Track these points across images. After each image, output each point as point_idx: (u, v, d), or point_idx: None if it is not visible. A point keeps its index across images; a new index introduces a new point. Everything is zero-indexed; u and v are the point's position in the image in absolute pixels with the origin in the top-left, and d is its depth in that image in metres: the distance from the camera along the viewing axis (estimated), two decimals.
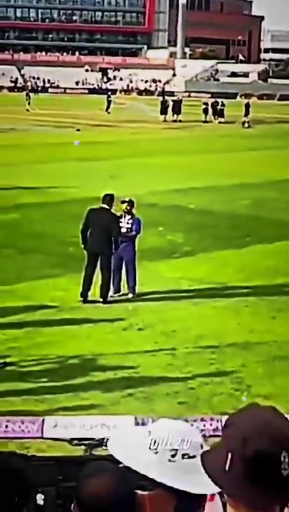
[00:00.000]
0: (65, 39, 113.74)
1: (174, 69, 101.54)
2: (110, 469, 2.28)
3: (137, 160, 29.16)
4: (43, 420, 6.33)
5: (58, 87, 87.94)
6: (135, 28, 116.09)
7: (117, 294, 12.17)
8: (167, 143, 37.44)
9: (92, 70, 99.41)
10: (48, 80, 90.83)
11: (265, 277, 13.40)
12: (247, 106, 49.54)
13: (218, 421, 6.24)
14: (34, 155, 29.91)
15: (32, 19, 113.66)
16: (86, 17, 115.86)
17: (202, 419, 6.39)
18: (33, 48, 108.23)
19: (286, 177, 25.26)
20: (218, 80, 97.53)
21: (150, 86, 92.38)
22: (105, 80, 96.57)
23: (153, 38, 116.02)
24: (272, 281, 13.18)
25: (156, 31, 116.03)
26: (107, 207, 11.95)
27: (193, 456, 2.19)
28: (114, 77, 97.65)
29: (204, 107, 53.45)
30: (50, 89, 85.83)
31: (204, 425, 6.23)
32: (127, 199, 12.32)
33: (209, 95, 70.29)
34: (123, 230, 11.94)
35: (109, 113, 56.62)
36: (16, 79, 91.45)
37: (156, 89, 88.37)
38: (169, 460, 2.21)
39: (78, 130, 42.01)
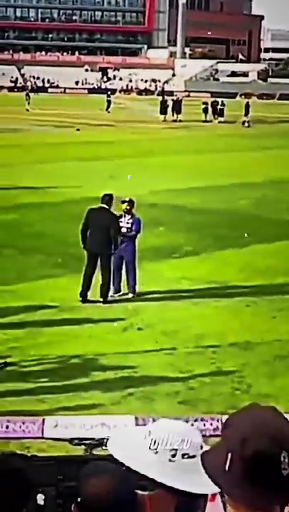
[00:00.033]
0: (65, 39, 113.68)
1: (173, 69, 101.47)
2: (110, 469, 2.28)
3: (137, 160, 29.15)
4: (44, 420, 6.32)
5: (57, 86, 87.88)
6: (135, 27, 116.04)
7: (118, 294, 12.17)
8: (167, 143, 37.42)
9: (92, 70, 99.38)
10: (48, 80, 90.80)
11: (265, 277, 13.40)
12: (247, 105, 49.56)
13: (218, 421, 6.23)
14: (34, 155, 29.89)
15: (32, 19, 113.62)
16: (86, 17, 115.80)
17: (202, 419, 6.37)
18: (33, 48, 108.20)
19: (286, 176, 25.25)
20: (218, 79, 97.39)
21: (150, 86, 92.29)
22: (105, 79, 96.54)
23: (153, 37, 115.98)
24: (273, 281, 13.18)
25: (156, 31, 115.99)
26: (107, 207, 11.96)
27: (193, 456, 2.19)
28: (114, 77, 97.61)
29: (204, 106, 53.45)
30: (50, 89, 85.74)
31: (204, 425, 6.22)
32: (127, 199, 12.32)
33: (209, 95, 70.16)
34: (123, 230, 11.94)
35: (109, 113, 56.66)
36: (16, 79, 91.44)
37: (156, 88, 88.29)
38: (169, 460, 2.21)
39: (78, 130, 42.05)
